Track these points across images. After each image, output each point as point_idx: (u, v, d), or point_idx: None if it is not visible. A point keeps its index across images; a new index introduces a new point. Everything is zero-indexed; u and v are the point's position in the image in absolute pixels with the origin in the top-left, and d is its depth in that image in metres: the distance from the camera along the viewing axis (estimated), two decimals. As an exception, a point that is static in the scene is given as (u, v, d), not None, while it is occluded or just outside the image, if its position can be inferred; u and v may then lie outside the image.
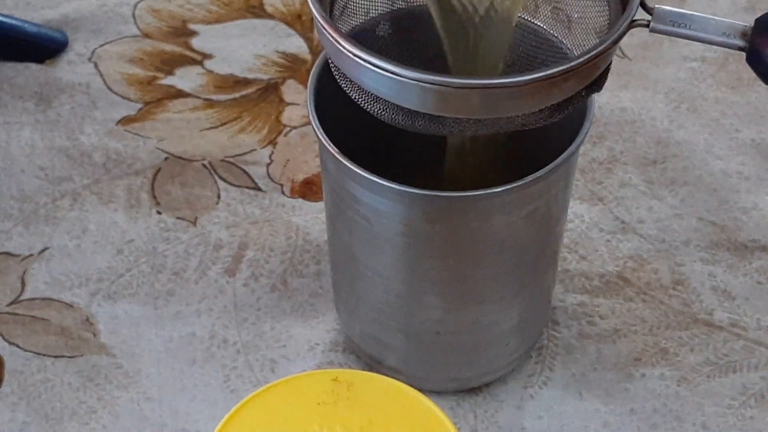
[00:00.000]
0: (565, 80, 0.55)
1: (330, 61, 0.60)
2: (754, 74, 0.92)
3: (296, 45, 0.94)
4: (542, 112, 0.57)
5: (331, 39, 0.56)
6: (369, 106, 0.58)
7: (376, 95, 0.57)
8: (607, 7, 0.60)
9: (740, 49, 0.56)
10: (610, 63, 0.58)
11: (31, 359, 0.74)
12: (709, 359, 0.74)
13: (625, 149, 0.86)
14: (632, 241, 0.80)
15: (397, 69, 0.55)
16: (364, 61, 0.55)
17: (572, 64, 0.55)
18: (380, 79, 0.55)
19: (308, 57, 0.93)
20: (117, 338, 0.75)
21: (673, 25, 0.56)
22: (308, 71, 0.84)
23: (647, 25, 0.57)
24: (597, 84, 0.58)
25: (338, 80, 0.60)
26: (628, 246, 0.80)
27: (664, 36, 0.96)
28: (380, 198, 0.61)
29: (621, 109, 0.88)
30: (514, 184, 0.60)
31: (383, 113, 0.58)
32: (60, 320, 0.76)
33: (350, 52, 0.56)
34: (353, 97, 0.59)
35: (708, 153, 0.85)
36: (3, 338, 0.75)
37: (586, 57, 0.55)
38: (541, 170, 0.60)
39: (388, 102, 0.57)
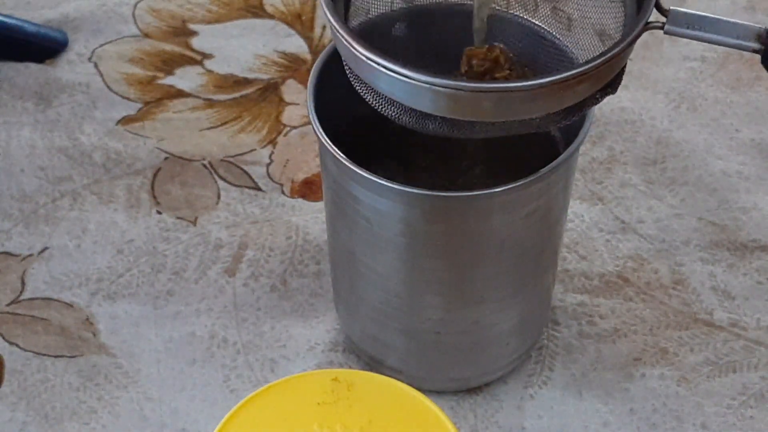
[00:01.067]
0: (579, 83, 0.55)
1: (345, 64, 0.59)
2: (753, 74, 0.93)
3: (296, 45, 0.94)
4: (557, 115, 0.57)
5: (345, 42, 0.56)
6: (383, 109, 0.58)
7: (390, 98, 0.57)
8: (623, 8, 0.59)
9: (755, 51, 0.56)
10: (625, 65, 0.58)
11: (31, 359, 0.74)
12: (709, 359, 0.73)
13: (625, 149, 0.85)
14: (632, 241, 0.80)
15: (410, 73, 0.54)
16: (378, 64, 0.55)
17: (587, 67, 0.54)
18: (394, 82, 0.55)
19: (308, 57, 0.93)
20: (117, 338, 0.75)
21: (688, 27, 0.56)
22: (308, 71, 0.84)
23: (662, 27, 0.56)
24: (611, 86, 0.58)
25: (352, 83, 0.60)
26: (628, 246, 0.80)
27: (665, 36, 0.96)
28: (380, 198, 0.61)
29: (621, 109, 0.88)
30: (514, 184, 0.60)
31: (397, 116, 0.57)
32: (60, 320, 0.76)
33: (364, 55, 0.55)
34: (367, 100, 0.59)
35: (708, 153, 0.85)
36: (3, 338, 0.75)
37: (601, 60, 0.54)
38: (541, 170, 0.60)
39: (402, 105, 0.57)
